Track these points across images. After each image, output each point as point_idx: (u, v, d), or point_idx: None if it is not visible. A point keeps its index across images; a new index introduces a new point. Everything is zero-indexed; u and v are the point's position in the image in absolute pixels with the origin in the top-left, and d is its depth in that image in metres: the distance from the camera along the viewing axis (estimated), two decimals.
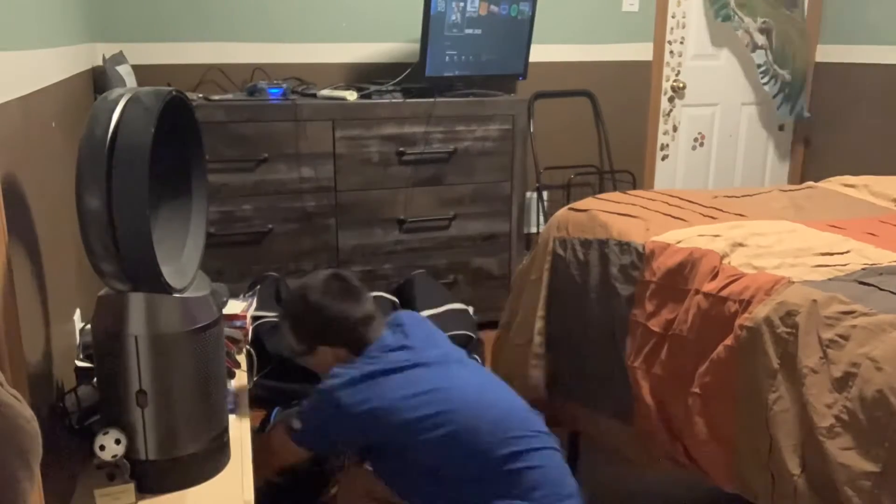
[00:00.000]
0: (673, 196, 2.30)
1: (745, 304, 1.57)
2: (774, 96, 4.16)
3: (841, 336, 1.39)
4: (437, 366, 1.73)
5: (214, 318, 1.54)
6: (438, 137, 3.20)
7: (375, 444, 1.74)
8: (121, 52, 2.96)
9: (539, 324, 2.20)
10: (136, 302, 1.44)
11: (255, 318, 2.67)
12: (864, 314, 1.39)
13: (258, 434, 2.00)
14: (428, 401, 1.65)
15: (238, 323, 2.17)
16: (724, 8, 3.96)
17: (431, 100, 3.16)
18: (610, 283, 1.95)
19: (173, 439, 1.50)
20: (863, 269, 1.61)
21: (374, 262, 3.22)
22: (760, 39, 3.99)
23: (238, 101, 3.01)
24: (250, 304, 2.33)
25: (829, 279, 1.55)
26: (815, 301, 1.45)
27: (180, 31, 3.25)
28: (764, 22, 3.99)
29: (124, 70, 2.80)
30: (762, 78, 4.10)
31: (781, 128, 4.44)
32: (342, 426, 1.69)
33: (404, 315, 1.89)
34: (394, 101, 3.15)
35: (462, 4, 3.20)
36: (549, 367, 2.19)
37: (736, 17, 3.95)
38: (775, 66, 4.06)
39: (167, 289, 1.44)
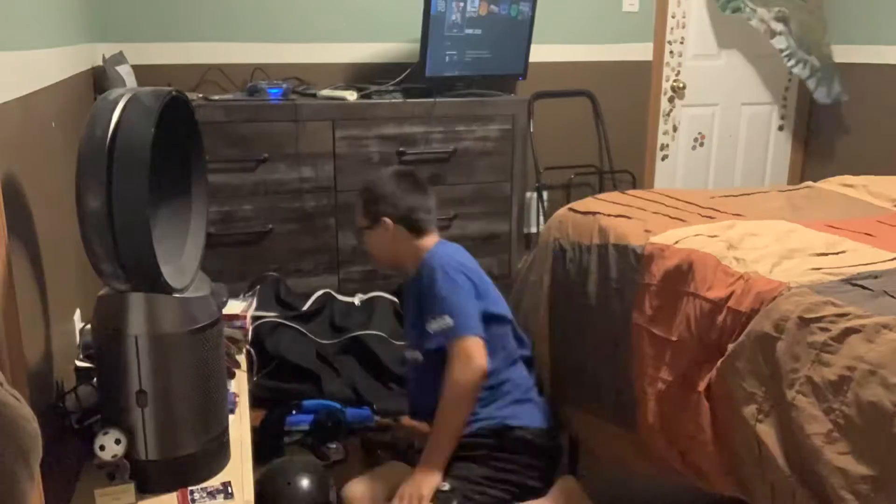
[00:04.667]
0: (671, 196, 2.30)
1: (743, 308, 1.57)
2: (807, 79, 4.07)
3: (835, 339, 1.39)
4: None
5: (214, 318, 1.54)
6: (438, 137, 3.21)
7: None
8: (121, 52, 2.96)
9: (539, 326, 2.20)
10: (136, 302, 1.44)
11: (255, 318, 2.67)
12: (859, 317, 1.38)
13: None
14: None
15: (238, 323, 2.18)
16: (732, 0, 3.93)
17: (431, 100, 3.16)
18: (610, 285, 1.95)
19: (173, 439, 1.51)
20: (858, 270, 1.61)
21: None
22: (778, 27, 3.92)
23: (238, 101, 3.01)
24: (250, 304, 2.33)
25: (824, 282, 1.55)
26: (809, 304, 1.44)
27: (180, 31, 3.25)
28: (779, 11, 3.93)
29: (124, 70, 2.80)
30: (788, 61, 4.02)
31: (781, 128, 4.44)
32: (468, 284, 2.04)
33: None
34: (394, 101, 3.15)
35: (462, 4, 3.20)
36: (549, 369, 2.19)
37: (747, 8, 3.91)
38: (800, 52, 3.99)
39: (167, 289, 1.44)
